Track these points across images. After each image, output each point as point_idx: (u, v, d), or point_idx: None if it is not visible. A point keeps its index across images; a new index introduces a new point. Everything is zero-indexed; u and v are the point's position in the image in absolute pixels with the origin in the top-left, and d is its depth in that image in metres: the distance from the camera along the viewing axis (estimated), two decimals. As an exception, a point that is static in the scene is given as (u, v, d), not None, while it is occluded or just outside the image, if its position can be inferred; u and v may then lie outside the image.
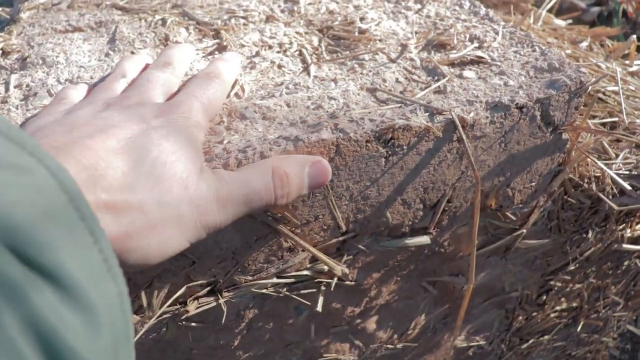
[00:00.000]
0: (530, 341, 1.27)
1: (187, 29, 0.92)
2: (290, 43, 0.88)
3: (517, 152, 0.82)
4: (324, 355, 0.95)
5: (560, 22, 1.39)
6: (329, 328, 0.92)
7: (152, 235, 0.51)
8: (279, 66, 0.82)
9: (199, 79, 0.70)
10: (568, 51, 1.23)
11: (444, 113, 0.73)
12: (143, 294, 0.67)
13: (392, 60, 0.84)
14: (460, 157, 0.77)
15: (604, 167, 0.95)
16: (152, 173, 0.53)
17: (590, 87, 1.11)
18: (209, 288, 0.74)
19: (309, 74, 0.80)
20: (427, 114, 0.73)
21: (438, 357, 1.12)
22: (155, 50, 0.86)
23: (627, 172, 0.99)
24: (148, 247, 0.51)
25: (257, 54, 0.85)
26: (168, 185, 0.53)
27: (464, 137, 0.73)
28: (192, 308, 0.72)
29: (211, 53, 0.86)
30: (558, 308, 1.22)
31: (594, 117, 1.09)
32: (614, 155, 1.00)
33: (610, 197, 0.99)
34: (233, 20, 0.94)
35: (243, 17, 0.95)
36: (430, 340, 1.06)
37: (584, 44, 1.28)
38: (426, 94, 0.77)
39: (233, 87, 0.77)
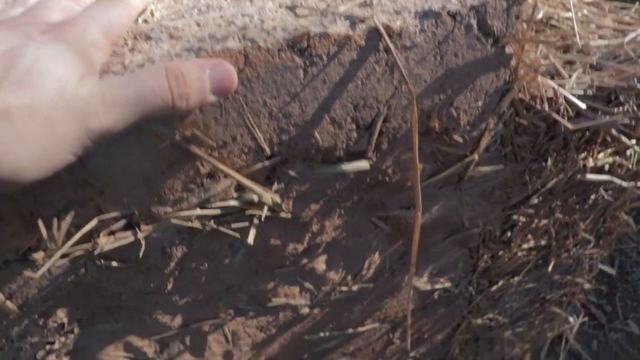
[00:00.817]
0: (500, 283, 1.22)
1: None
2: (214, -32, 0.83)
3: (455, 66, 0.77)
4: (273, 299, 0.91)
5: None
6: (272, 269, 0.87)
7: (21, 146, 0.46)
8: (194, -12, 0.76)
9: (100, 2, 0.64)
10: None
11: (367, 21, 0.68)
12: (41, 224, 0.61)
13: (320, -21, 0.78)
14: (390, 70, 0.71)
15: (556, 86, 0.90)
16: (23, 80, 0.47)
17: (541, 15, 1.06)
18: (124, 221, 0.69)
19: (226, -5, 0.75)
20: (348, 22, 0.67)
21: (400, 302, 1.07)
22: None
23: (582, 92, 0.94)
24: (17, 161, 0.46)
25: (176, -21, 0.80)
26: (42, 91, 0.48)
27: (391, 45, 0.68)
28: (105, 242, 0.67)
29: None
30: (525, 246, 1.18)
31: (547, 42, 1.03)
32: (567, 75, 0.95)
33: (566, 119, 0.94)
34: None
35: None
36: (389, 282, 1.01)
37: (542, -30, 1.22)
38: (349, 8, 0.71)
39: (143, 13, 0.72)
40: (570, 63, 1.01)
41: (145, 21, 0.71)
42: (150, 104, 0.54)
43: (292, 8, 0.71)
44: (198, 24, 0.68)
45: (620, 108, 0.99)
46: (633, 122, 1.00)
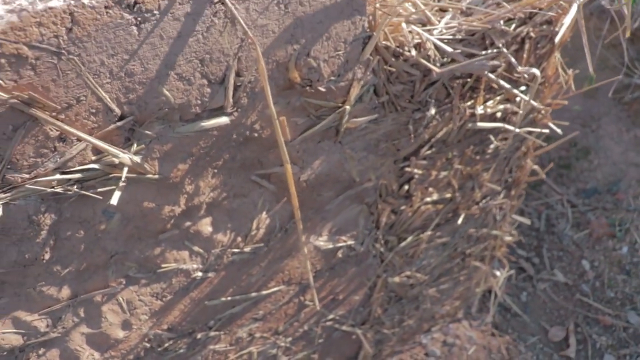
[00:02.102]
0: (409, 239, 1.25)
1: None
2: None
3: (304, 15, 0.79)
4: (162, 265, 0.92)
5: None
6: (155, 234, 0.88)
7: None
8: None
9: None
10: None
11: (198, -28, 0.69)
12: None
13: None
14: (232, 22, 0.73)
15: (421, 31, 0.92)
16: None
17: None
18: (-21, 190, 0.70)
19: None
20: (179, -25, 0.69)
21: (302, 262, 1.09)
22: None
23: (451, 37, 0.96)
24: None
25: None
26: None
27: (224, -4, 0.70)
28: (-42, 211, 0.68)
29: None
30: (428, 200, 1.20)
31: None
32: (437, 22, 0.97)
33: (439, 65, 0.97)
34: None
35: None
36: (284, 242, 1.03)
37: None
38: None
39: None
40: (442, 11, 1.03)
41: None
42: None
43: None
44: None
45: (493, 50, 1.02)
46: (504, 66, 1.03)
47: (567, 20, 0.99)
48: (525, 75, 1.05)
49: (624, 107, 1.88)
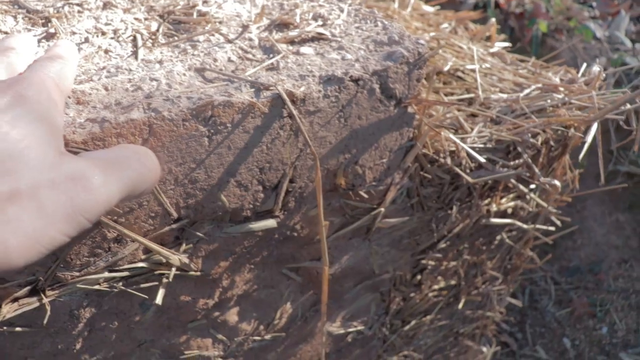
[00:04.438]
0: (413, 322, 1.27)
1: (15, 17, 0.86)
2: (126, 29, 0.84)
3: (360, 127, 0.81)
4: (185, 352, 0.91)
5: (428, 8, 1.40)
6: (185, 323, 0.88)
7: (8, 229, 0.46)
8: (106, 51, 0.77)
9: (41, 59, 0.64)
10: (432, 34, 1.24)
11: (271, 88, 0.70)
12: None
13: (230, 41, 0.81)
14: (295, 134, 0.74)
15: (457, 141, 0.95)
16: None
17: (448, 67, 1.11)
18: (29, 287, 0.69)
19: (136, 57, 0.76)
20: (252, 90, 0.70)
21: (315, 347, 1.10)
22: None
23: (482, 146, 1.00)
24: (5, 244, 0.45)
25: (87, 40, 0.80)
26: (21, 176, 0.47)
27: (294, 111, 0.71)
28: (8, 310, 0.67)
29: (39, 41, 0.80)
30: (436, 287, 1.23)
31: (452, 94, 1.09)
32: (469, 129, 1.00)
33: (469, 171, 1.00)
34: (67, 8, 0.88)
35: (78, 4, 0.89)
36: (302, 329, 1.04)
37: (447, 27, 1.28)
38: (257, 71, 0.74)
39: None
40: (473, 115, 1.07)
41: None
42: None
43: (200, 71, 0.73)
44: (106, 88, 0.69)
45: (518, 160, 1.06)
46: (528, 173, 1.07)
47: (589, 138, 1.04)
48: (547, 186, 1.09)
49: (608, 191, 1.96)
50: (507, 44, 1.32)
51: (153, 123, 0.64)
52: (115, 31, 0.83)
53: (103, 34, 0.82)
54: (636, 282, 1.83)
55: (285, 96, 0.70)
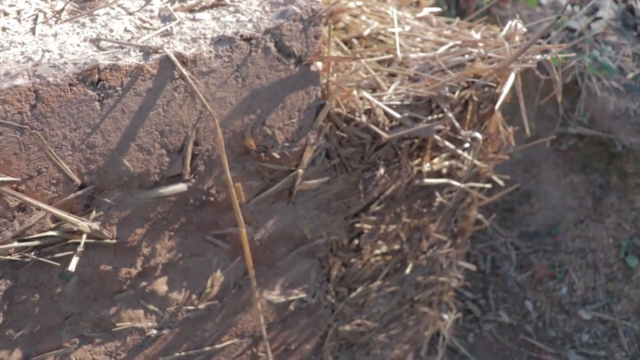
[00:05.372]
0: (359, 289, 1.28)
1: None
2: (30, 9, 0.85)
3: (260, 87, 0.83)
4: (117, 325, 0.93)
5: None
6: (111, 295, 0.89)
7: None
8: (3, 29, 0.79)
9: None
10: (359, 3, 1.26)
11: (160, 51, 0.72)
12: None
13: (130, 13, 0.83)
14: (191, 95, 0.76)
15: (371, 97, 0.97)
16: None
17: (368, 31, 1.13)
18: None
19: (34, 33, 0.77)
20: (141, 54, 0.72)
21: (256, 316, 1.11)
22: None
23: (399, 103, 1.02)
24: None
25: (-13, 21, 0.82)
26: None
27: (184, 72, 0.73)
28: None
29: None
30: (378, 252, 1.24)
31: (372, 56, 1.11)
32: (387, 88, 1.02)
33: (388, 129, 1.02)
34: (-28, -7, 0.90)
35: (-16, -10, 0.91)
36: (238, 298, 1.05)
37: (373, -5, 1.30)
38: (150, 38, 0.76)
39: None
40: (392, 75, 1.09)
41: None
42: None
43: (95, 41, 0.75)
44: (-3, 62, 0.70)
45: (441, 116, 1.08)
46: (448, 128, 1.09)
47: (506, 88, 1.06)
48: (468, 138, 1.11)
49: (561, 154, 1.98)
50: (435, 9, 1.34)
51: (39, 89, 0.65)
52: (18, 12, 0.84)
53: (5, 14, 0.84)
54: (592, 241, 1.86)
55: (173, 57, 0.72)
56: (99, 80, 0.68)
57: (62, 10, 0.84)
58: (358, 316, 1.38)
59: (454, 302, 1.73)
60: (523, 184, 1.99)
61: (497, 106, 1.18)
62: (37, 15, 0.83)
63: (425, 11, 1.34)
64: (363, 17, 1.24)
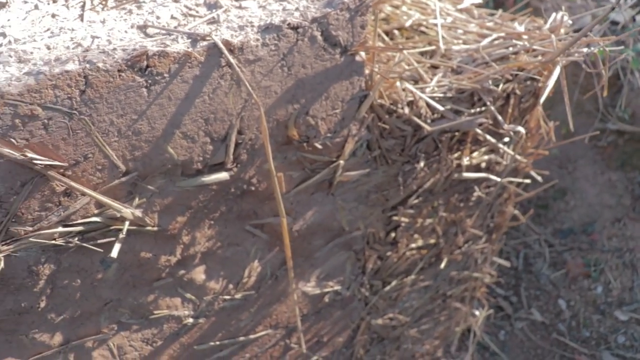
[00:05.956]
0: (393, 283, 1.27)
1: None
2: (77, -5, 0.85)
3: (305, 77, 0.82)
4: (155, 312, 0.93)
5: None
6: (150, 282, 0.89)
7: None
8: (53, 15, 0.79)
9: None
10: (396, -7, 1.24)
11: (207, 38, 0.72)
12: None
13: (175, 1, 0.82)
14: (237, 83, 0.76)
15: (414, 89, 0.96)
16: None
17: (410, 22, 1.12)
18: (-18, 243, 0.71)
19: (82, 19, 0.77)
20: (189, 40, 0.71)
21: (290, 307, 1.11)
22: None
23: (442, 95, 1.00)
24: None
25: (36, 7, 0.82)
26: None
27: (232, 59, 0.72)
28: (-39, 264, 0.69)
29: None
30: (414, 245, 1.23)
31: (414, 48, 1.10)
32: (429, 80, 1.01)
33: (430, 121, 1.00)
34: (19, -21, 0.90)
35: (30, -25, 0.91)
36: (274, 288, 1.05)
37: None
38: (197, 25, 0.75)
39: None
40: (434, 67, 1.07)
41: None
42: None
43: (142, 28, 0.75)
44: (48, 47, 0.70)
45: (483, 109, 1.06)
46: (490, 122, 1.07)
47: (551, 82, 1.04)
48: (511, 132, 1.09)
49: (599, 150, 1.94)
50: (477, 1, 1.32)
51: (88, 74, 0.65)
52: (66, -1, 0.85)
53: (54, 1, 0.84)
54: (630, 241, 1.82)
55: (221, 44, 0.71)
56: (147, 66, 0.68)
57: (108, -4, 0.84)
58: (391, 310, 1.37)
59: (485, 298, 1.71)
60: (558, 180, 1.96)
61: (540, 100, 1.16)
62: (84, 2, 0.83)
63: (466, 2, 1.32)
64: (404, 8, 1.22)
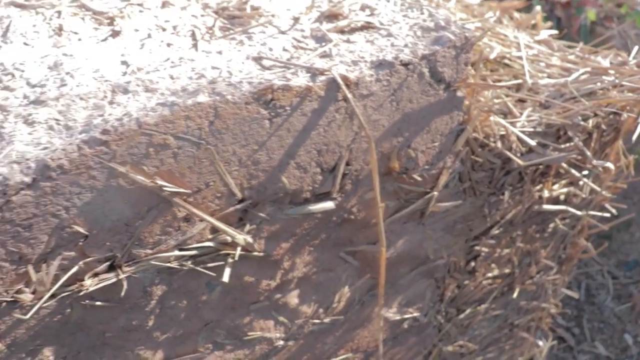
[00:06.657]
0: (468, 311, 1.28)
1: (82, 19, 0.93)
2: (184, 25, 0.89)
3: (411, 111, 0.84)
4: (249, 333, 0.95)
5: (472, 0, 1.42)
6: (248, 304, 0.92)
7: None
8: (168, 44, 0.83)
9: None
10: (477, 24, 1.26)
11: (326, 73, 0.74)
12: (31, 269, 0.66)
13: (283, 32, 0.85)
14: (350, 117, 0.78)
15: (507, 125, 0.97)
16: None
17: (494, 54, 1.14)
18: (108, 263, 0.74)
19: (196, 49, 0.81)
20: (308, 74, 0.74)
21: (372, 332, 1.12)
22: (50, 40, 0.86)
23: (532, 129, 1.01)
24: None
25: (149, 35, 0.86)
26: None
27: (348, 94, 0.75)
28: (90, 283, 0.72)
29: (105, 39, 0.87)
30: (490, 275, 1.24)
31: (499, 81, 1.11)
32: (518, 114, 1.02)
33: (519, 155, 1.01)
34: (128, 8, 0.94)
35: (138, 4, 0.95)
36: (359, 314, 1.07)
37: (492, 17, 1.31)
38: (311, 58, 0.78)
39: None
40: (521, 101, 1.08)
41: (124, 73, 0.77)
42: None
43: (258, 59, 0.78)
44: (171, 77, 0.74)
45: (569, 144, 1.07)
46: (579, 157, 1.08)
47: (642, 118, 1.04)
48: (600, 169, 1.09)
49: (666, 182, 1.93)
50: (553, 32, 1.33)
51: (218, 106, 0.68)
52: (174, 27, 0.88)
53: (163, 30, 0.88)
54: (698, 275, 1.80)
55: (340, 80, 0.74)
56: (272, 99, 0.71)
57: (213, 26, 0.88)
58: (461, 337, 1.37)
59: (549, 328, 1.70)
60: (623, 211, 1.94)
61: (621, 134, 1.16)
62: (193, 32, 0.87)
63: (544, 34, 1.33)
64: (485, 40, 1.24)
